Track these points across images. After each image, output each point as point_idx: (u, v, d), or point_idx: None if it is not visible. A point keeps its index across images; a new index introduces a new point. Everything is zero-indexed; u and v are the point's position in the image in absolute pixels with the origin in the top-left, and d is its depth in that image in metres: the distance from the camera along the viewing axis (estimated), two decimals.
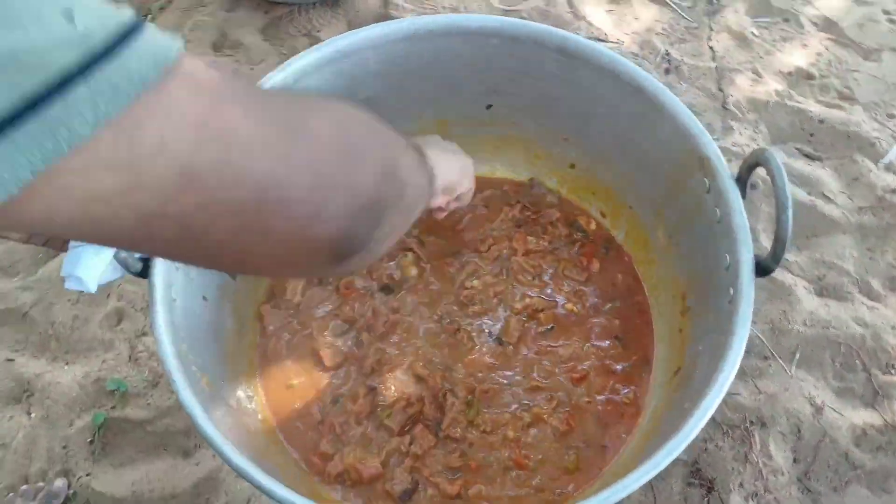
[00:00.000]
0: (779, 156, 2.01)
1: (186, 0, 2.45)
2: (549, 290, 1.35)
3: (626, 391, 1.24)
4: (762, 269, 0.96)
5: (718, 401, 0.86)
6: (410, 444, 1.19)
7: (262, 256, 0.52)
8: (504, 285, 1.35)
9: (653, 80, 1.15)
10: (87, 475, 1.64)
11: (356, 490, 1.17)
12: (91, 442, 1.69)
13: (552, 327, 1.31)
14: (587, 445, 1.20)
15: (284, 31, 2.33)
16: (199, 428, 0.90)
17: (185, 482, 1.60)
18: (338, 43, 1.19)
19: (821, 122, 2.10)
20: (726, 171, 1.04)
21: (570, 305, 1.33)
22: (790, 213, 0.91)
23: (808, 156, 2.05)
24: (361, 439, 1.21)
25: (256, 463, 0.90)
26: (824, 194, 1.93)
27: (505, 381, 1.26)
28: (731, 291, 0.96)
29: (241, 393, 1.23)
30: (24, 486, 1.63)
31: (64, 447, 1.69)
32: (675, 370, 1.15)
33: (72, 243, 0.94)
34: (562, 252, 1.39)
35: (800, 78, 2.26)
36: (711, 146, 1.07)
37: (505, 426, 1.21)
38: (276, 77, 1.17)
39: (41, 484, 1.62)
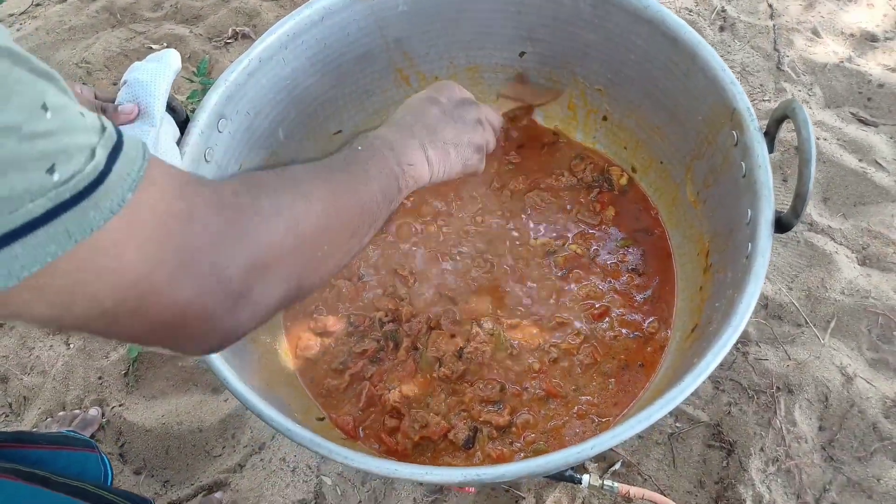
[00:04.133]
0: (831, 120, 1.93)
1: None
2: (561, 232, 1.35)
3: (650, 320, 1.24)
4: (782, 224, 0.92)
5: (721, 357, 0.84)
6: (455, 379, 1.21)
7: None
8: (515, 222, 1.36)
9: (687, 28, 1.11)
10: (120, 405, 1.70)
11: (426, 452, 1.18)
12: (125, 374, 1.74)
13: (566, 271, 1.30)
14: (622, 370, 1.20)
15: None
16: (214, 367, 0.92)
17: (212, 417, 1.64)
18: None
19: (880, 86, 2.01)
20: (755, 125, 1.00)
21: (575, 247, 1.32)
22: (813, 167, 0.87)
23: (862, 121, 1.96)
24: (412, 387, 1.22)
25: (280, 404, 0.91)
26: (876, 161, 1.85)
27: (529, 316, 1.26)
28: (749, 247, 0.93)
29: (265, 337, 1.26)
30: (61, 412, 1.69)
31: (99, 378, 1.74)
32: (692, 328, 1.12)
33: None
34: (578, 195, 1.38)
35: (862, 39, 2.16)
36: (742, 98, 1.03)
37: (530, 356, 1.22)
38: (303, 13, 1.16)
39: (77, 411, 1.68)
